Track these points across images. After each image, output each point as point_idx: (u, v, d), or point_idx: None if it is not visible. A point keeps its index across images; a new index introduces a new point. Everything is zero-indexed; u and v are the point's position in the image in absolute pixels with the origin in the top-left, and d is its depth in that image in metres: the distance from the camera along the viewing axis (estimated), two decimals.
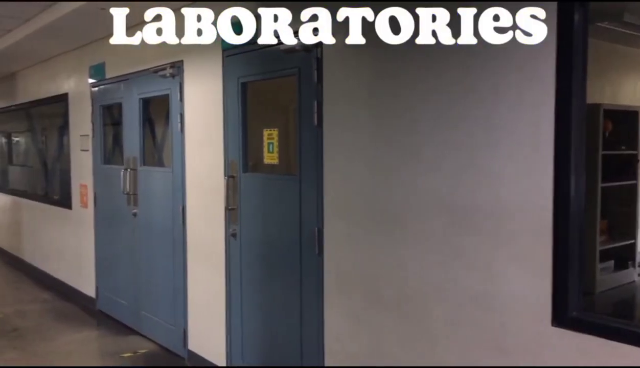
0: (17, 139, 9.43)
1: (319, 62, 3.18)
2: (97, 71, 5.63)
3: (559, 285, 2.22)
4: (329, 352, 3.22)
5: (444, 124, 2.58)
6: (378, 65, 2.87)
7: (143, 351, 4.83)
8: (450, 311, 2.59)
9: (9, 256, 8.54)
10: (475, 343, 2.50)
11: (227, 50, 3.91)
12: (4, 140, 9.63)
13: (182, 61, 4.40)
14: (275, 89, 4.02)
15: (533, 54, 2.25)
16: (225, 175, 3.96)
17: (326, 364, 3.24)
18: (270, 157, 3.69)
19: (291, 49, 3.29)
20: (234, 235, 3.95)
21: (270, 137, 3.68)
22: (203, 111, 4.24)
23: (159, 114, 5.15)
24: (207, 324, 4.30)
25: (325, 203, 3.19)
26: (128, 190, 5.14)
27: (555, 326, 2.23)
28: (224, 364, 4.10)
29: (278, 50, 3.41)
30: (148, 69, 4.77)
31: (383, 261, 2.87)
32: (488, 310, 2.44)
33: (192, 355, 4.48)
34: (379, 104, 2.87)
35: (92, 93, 5.80)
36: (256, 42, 3.63)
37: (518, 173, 2.32)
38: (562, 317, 2.21)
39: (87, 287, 6.09)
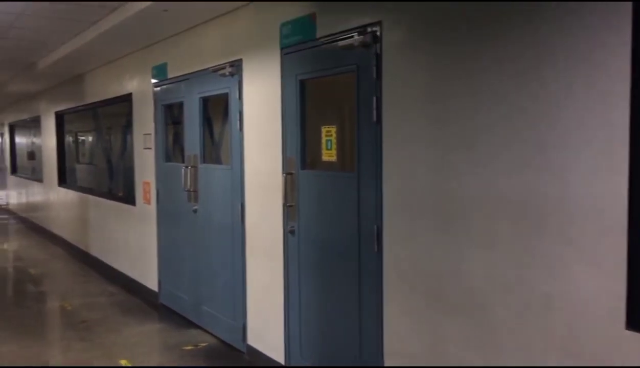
0: (83, 138, 9.86)
1: (378, 57, 3.15)
2: (160, 71, 5.79)
3: (634, 287, 2.11)
4: (388, 351, 3.19)
5: (508, 119, 2.50)
6: (439, 59, 2.81)
7: (203, 344, 4.94)
8: (515, 312, 2.51)
9: (77, 250, 8.92)
10: (542, 346, 2.42)
11: (285, 48, 3.93)
12: (71, 139, 10.08)
13: (241, 60, 4.46)
14: (333, 86, 4.01)
15: (605, 43, 2.15)
16: (283, 172, 3.99)
17: (386, 363, 3.21)
18: (329, 154, 3.68)
19: (350, 46, 3.27)
20: (292, 232, 3.97)
21: (328, 134, 3.67)
22: (261, 109, 4.28)
23: (217, 113, 5.25)
24: (265, 320, 4.35)
25: (385, 200, 3.16)
26: (189, 187, 5.26)
27: (630, 330, 2.12)
28: (283, 360, 4.14)
29: (336, 47, 3.40)
30: (208, 69, 4.86)
31: (445, 259, 2.81)
32: (556, 312, 2.35)
33: (251, 349, 4.54)
34: (440, 99, 2.82)
35: (154, 93, 5.97)
36: (315, 39, 3.64)
37: (589, 169, 2.22)
38: (637, 320, 2.10)
39: (150, 281, 6.28)
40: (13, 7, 4.97)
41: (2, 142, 15.32)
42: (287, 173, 3.94)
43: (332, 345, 3.69)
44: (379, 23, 3.13)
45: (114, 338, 5.15)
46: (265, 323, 4.35)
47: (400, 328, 3.10)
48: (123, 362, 4.55)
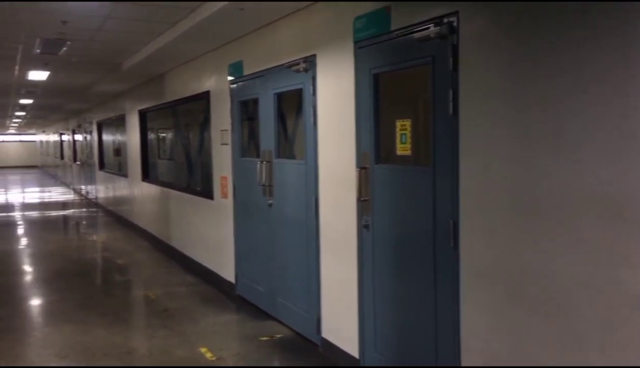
0: (164, 135, 10.29)
1: (455, 49, 3.07)
2: (236, 69, 5.94)
3: None
4: (465, 349, 3.13)
5: (591, 110, 2.37)
6: (520, 48, 2.71)
7: (279, 336, 5.04)
8: (602, 312, 2.39)
9: (159, 242, 9.34)
10: (631, 348, 2.28)
11: (359, 42, 3.92)
12: (153, 136, 10.54)
13: (314, 55, 4.50)
14: (407, 79, 3.96)
15: None
16: (357, 167, 3.99)
17: (463, 361, 3.14)
18: (403, 148, 3.64)
19: (425, 37, 3.22)
20: (366, 226, 3.97)
21: (403, 128, 3.63)
22: (335, 104, 4.30)
23: (291, 108, 5.32)
24: (339, 313, 4.38)
25: (461, 195, 3.09)
26: (264, 181, 5.37)
27: None
28: (357, 353, 4.15)
29: (411, 39, 3.35)
30: (282, 65, 4.94)
31: (526, 256, 2.72)
32: None
33: (325, 342, 4.59)
34: (521, 89, 2.71)
35: (230, 90, 6.13)
36: (389, 32, 3.61)
37: None
38: None
39: (227, 272, 6.47)
40: (100, 12, 5.25)
41: (91, 140, 16.23)
42: (361, 167, 3.94)
43: (407, 341, 3.67)
44: (455, 13, 3.06)
45: (194, 326, 5.35)
46: (339, 317, 4.38)
47: (478, 326, 3.03)
48: (203, 350, 4.72)
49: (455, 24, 3.07)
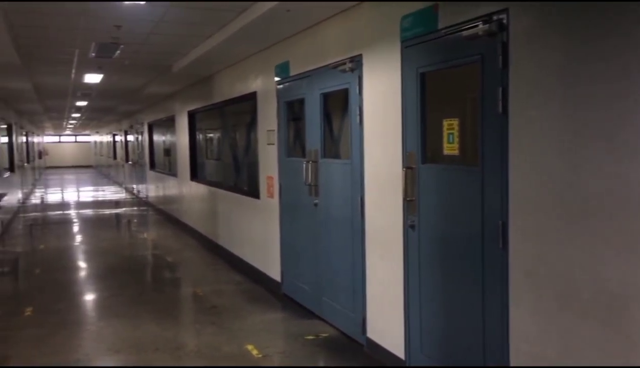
0: (211, 135, 10.49)
1: (505, 46, 3.02)
2: (282, 69, 6.00)
3: None
4: (514, 351, 3.06)
5: None
6: (573, 44, 2.64)
7: (324, 335, 5.06)
8: None
9: (207, 240, 9.52)
10: None
11: (405, 41, 3.90)
12: (201, 136, 10.76)
13: (360, 55, 4.50)
14: (454, 78, 3.91)
15: None
16: (403, 167, 3.97)
17: (512, 364, 3.08)
18: (450, 148, 3.60)
19: (474, 35, 3.17)
20: (412, 226, 3.94)
21: (450, 127, 3.59)
22: (381, 103, 4.29)
23: (336, 108, 5.33)
24: (385, 314, 4.36)
25: (511, 195, 3.03)
26: (310, 181, 5.40)
27: None
28: (402, 354, 4.12)
29: (459, 37, 3.31)
30: (328, 65, 4.96)
31: (578, 258, 2.64)
32: None
33: (371, 343, 4.58)
34: (574, 86, 2.64)
35: (277, 90, 6.20)
36: (436, 30, 3.57)
37: None
38: None
39: (273, 271, 6.54)
40: (152, 16, 5.40)
41: (142, 140, 16.70)
42: (407, 167, 3.92)
43: (454, 342, 3.62)
44: (505, 10, 3.00)
45: (241, 324, 5.43)
46: (385, 317, 4.36)
47: (528, 330, 2.97)
48: (249, 347, 4.79)
49: (505, 21, 3.01)
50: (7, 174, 12.32)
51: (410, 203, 3.94)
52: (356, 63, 4.55)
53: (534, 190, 2.88)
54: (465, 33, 3.25)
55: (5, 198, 9.07)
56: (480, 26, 3.12)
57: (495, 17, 3.07)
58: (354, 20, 4.58)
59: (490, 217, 3.19)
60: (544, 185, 2.82)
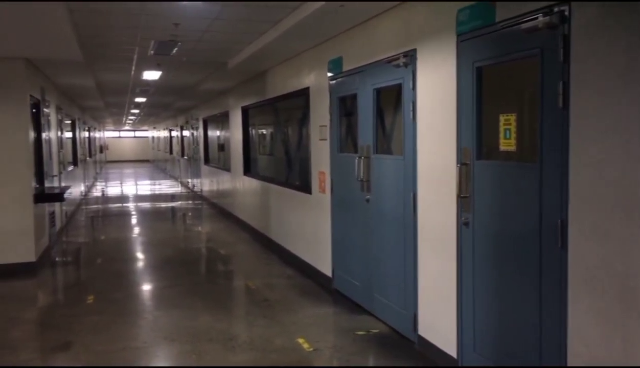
0: (263, 130, 10.62)
1: (566, 39, 2.92)
2: (335, 65, 6.00)
3: None
4: (572, 354, 2.97)
5: None
6: (636, 39, 2.52)
7: (375, 331, 5.05)
8: None
9: (259, 234, 9.66)
10: None
11: (461, 35, 3.83)
12: (254, 132, 10.91)
13: (415, 50, 4.45)
14: (512, 72, 3.81)
15: None
16: (457, 163, 3.90)
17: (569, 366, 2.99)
18: (507, 144, 3.51)
19: (533, 28, 3.08)
20: (466, 223, 3.87)
21: (507, 123, 3.50)
22: (435, 98, 4.23)
23: (389, 103, 5.29)
24: (437, 311, 4.31)
25: (571, 192, 2.93)
26: (362, 177, 5.39)
27: None
28: (454, 353, 4.07)
29: (518, 30, 3.22)
30: (381, 60, 4.93)
31: None
32: None
33: (422, 340, 4.54)
34: (637, 83, 2.52)
35: (330, 86, 6.21)
36: (494, 24, 3.49)
37: None
38: None
39: (324, 266, 6.57)
40: (209, 13, 5.52)
41: (197, 135, 17.09)
42: (462, 163, 3.85)
43: (508, 342, 3.54)
44: (567, 2, 2.90)
45: (292, 318, 5.49)
46: (437, 315, 4.31)
47: (588, 332, 2.87)
48: (300, 341, 4.83)
49: (566, 13, 2.91)
50: (71, 168, 12.88)
51: (464, 200, 3.88)
52: (410, 58, 4.50)
53: (595, 188, 2.78)
54: (524, 26, 3.16)
55: (69, 190, 9.49)
56: (540, 18, 3.02)
57: (556, 9, 2.97)
58: (408, 15, 4.53)
59: (549, 215, 3.10)
60: (607, 182, 2.71)
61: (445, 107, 4.05)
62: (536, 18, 3.06)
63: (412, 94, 4.53)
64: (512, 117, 3.48)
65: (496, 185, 3.60)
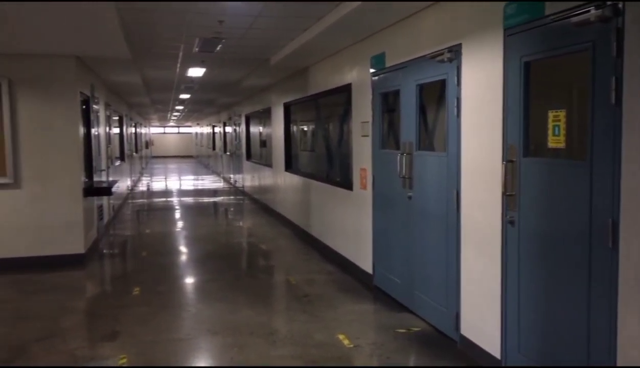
0: (305, 127, 10.66)
1: (620, 33, 2.81)
2: (378, 61, 5.97)
3: None
4: (622, 357, 2.87)
5: None
6: None
7: (416, 329, 5.01)
8: None
9: (299, 230, 9.72)
10: None
11: (509, 29, 3.75)
12: (295, 128, 10.97)
13: (460, 44, 4.38)
14: (561, 67, 3.71)
15: None
16: (503, 160, 3.83)
17: None
18: (555, 141, 3.42)
19: (584, 21, 2.98)
20: (511, 222, 3.79)
21: (556, 119, 3.41)
22: (480, 94, 4.15)
23: (431, 99, 5.23)
24: (480, 311, 4.24)
25: (623, 191, 2.83)
26: (404, 174, 5.35)
27: None
28: (498, 353, 4.00)
29: (568, 23, 3.13)
30: (425, 55, 4.87)
31: None
32: None
33: (464, 340, 4.47)
34: None
35: (372, 82, 6.18)
36: (543, 17, 3.40)
37: None
38: None
39: (365, 263, 6.56)
40: (253, 10, 5.57)
41: (239, 131, 17.29)
42: (508, 160, 3.77)
43: (555, 344, 3.45)
44: None
45: (332, 313, 5.50)
46: (480, 314, 4.24)
47: (639, 334, 2.77)
48: (340, 337, 4.84)
49: (620, 5, 2.81)
50: (118, 163, 13.24)
51: (510, 198, 3.80)
52: (455, 53, 4.43)
53: None
54: (575, 19, 3.06)
55: (117, 185, 9.76)
56: (593, 12, 2.93)
57: (609, 2, 2.87)
58: (454, 9, 4.46)
59: (599, 215, 3.01)
60: None
61: (491, 103, 3.97)
62: (588, 11, 2.97)
63: (456, 89, 4.46)
64: (562, 114, 3.38)
65: (544, 183, 3.51)
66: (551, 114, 3.44)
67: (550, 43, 3.42)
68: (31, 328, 5.18)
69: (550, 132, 3.45)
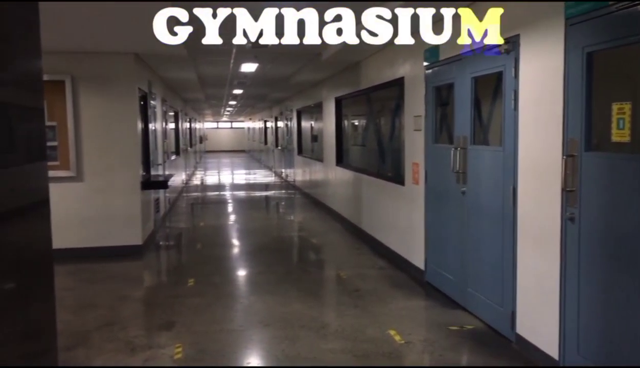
0: (356, 121, 10.62)
1: None
2: (432, 54, 5.87)
3: None
4: None
5: None
6: None
7: (469, 327, 4.91)
8: None
9: (350, 225, 9.70)
10: None
11: (571, 18, 3.60)
12: (346, 123, 10.94)
13: (518, 35, 4.25)
14: (627, 57, 3.54)
15: None
16: (563, 155, 3.69)
17: None
18: (620, 135, 3.27)
19: None
20: (571, 219, 3.66)
21: (620, 112, 3.26)
22: (539, 87, 4.02)
23: (485, 92, 5.10)
24: (537, 310, 4.12)
25: None
26: (457, 168, 5.25)
27: None
28: (556, 354, 3.87)
29: (636, 12, 2.98)
30: (481, 47, 4.74)
31: None
32: None
33: (520, 339, 4.36)
34: None
35: (425, 75, 6.09)
36: (608, 5, 3.26)
37: None
38: None
39: (417, 258, 6.49)
40: (310, 3, 5.56)
41: (290, 126, 17.42)
42: (568, 155, 3.64)
43: (616, 346, 3.32)
44: None
45: (383, 309, 5.47)
46: (537, 314, 4.12)
47: None
48: (391, 332, 4.81)
49: None
50: (173, 157, 13.59)
51: (570, 194, 3.67)
52: (512, 44, 4.31)
53: None
54: None
55: (172, 178, 10.03)
56: None
57: None
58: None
59: None
60: None
61: (550, 96, 3.84)
62: None
63: (513, 82, 4.33)
64: (627, 106, 3.23)
65: (606, 178, 3.37)
66: (615, 107, 3.29)
67: (615, 32, 3.27)
68: (92, 316, 5.39)
69: (614, 125, 3.30)
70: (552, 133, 3.82)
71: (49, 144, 7.35)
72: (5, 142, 2.21)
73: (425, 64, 6.07)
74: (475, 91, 5.08)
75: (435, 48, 5.77)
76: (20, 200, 2.32)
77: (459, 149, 5.23)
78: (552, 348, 3.92)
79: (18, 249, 2.27)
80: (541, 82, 3.98)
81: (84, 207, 7.79)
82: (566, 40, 3.66)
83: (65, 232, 7.63)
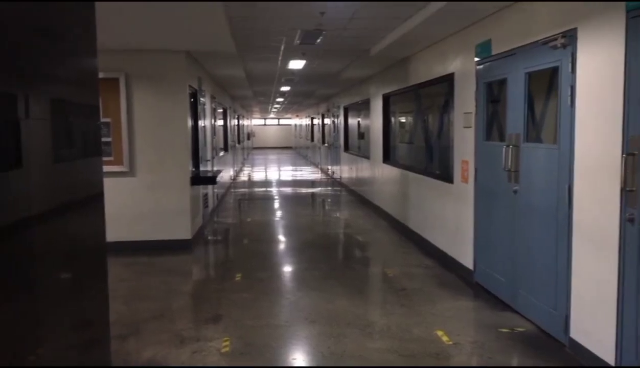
0: (403, 118, 10.50)
1: None
2: (483, 49, 5.73)
3: None
4: None
5: None
6: None
7: (520, 329, 4.78)
8: None
9: (396, 223, 9.61)
10: None
11: (632, 10, 3.44)
12: (393, 120, 10.84)
13: (575, 29, 4.09)
14: None
15: None
16: (623, 153, 3.53)
17: None
18: None
19: None
20: (631, 220, 3.50)
21: None
22: (597, 82, 3.86)
23: (539, 88, 4.94)
24: (593, 314, 3.96)
25: None
26: (509, 167, 5.11)
27: None
28: (612, 360, 3.72)
29: None
30: (536, 42, 4.60)
31: None
32: None
33: (574, 343, 4.21)
34: None
35: (476, 71, 5.95)
36: None
37: None
38: None
39: (465, 258, 6.36)
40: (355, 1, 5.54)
41: (337, 123, 17.40)
42: (628, 153, 3.48)
43: None
44: None
45: (430, 308, 5.39)
46: (593, 318, 3.97)
47: None
48: (439, 333, 4.73)
49: None
50: (222, 153, 13.79)
51: (629, 194, 3.51)
52: (569, 38, 4.15)
53: None
54: None
55: (220, 174, 10.18)
56: None
57: None
58: None
59: None
60: None
61: (610, 92, 3.68)
62: None
63: (570, 77, 4.18)
64: None
65: None
66: None
67: None
68: (143, 308, 5.53)
69: None
70: (611, 130, 3.67)
71: (104, 139, 7.58)
72: (63, 138, 2.28)
73: (476, 59, 5.93)
74: (529, 87, 4.93)
75: (487, 42, 5.63)
76: (77, 193, 2.39)
77: (511, 146, 5.09)
78: (608, 354, 3.76)
79: (74, 241, 2.34)
80: (600, 78, 3.82)
81: (136, 201, 8.00)
82: (627, 34, 3.49)
83: (120, 226, 7.86)
